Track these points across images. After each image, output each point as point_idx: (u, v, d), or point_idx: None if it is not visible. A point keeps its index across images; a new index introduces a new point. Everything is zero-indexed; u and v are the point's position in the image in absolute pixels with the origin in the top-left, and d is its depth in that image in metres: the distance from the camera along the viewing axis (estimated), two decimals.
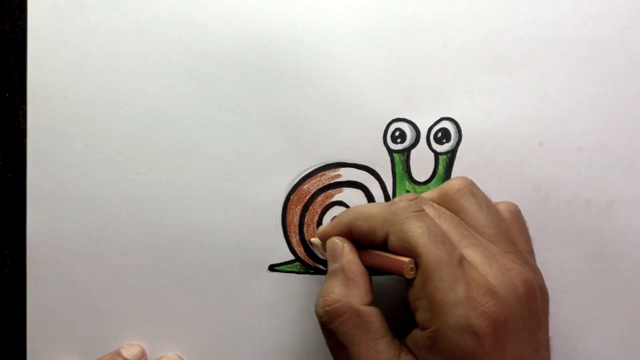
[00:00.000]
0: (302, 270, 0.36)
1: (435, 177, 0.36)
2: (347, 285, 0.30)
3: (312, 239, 0.36)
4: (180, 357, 0.36)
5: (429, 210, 0.30)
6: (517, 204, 0.35)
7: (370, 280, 0.31)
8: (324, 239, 0.33)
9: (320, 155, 0.35)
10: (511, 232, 0.31)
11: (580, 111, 0.36)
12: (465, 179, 0.33)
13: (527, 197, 0.36)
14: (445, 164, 0.36)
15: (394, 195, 0.36)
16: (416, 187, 0.36)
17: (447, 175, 0.36)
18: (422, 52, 0.35)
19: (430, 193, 0.33)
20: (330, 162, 0.35)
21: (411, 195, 0.31)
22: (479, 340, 0.26)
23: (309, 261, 0.36)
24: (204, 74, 0.34)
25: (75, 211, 0.35)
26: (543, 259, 0.35)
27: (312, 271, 0.36)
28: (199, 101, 0.34)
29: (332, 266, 0.31)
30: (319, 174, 0.35)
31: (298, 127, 0.35)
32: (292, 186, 0.35)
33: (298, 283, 0.36)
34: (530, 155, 0.36)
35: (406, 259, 0.28)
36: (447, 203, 0.32)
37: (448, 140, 0.36)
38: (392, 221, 0.29)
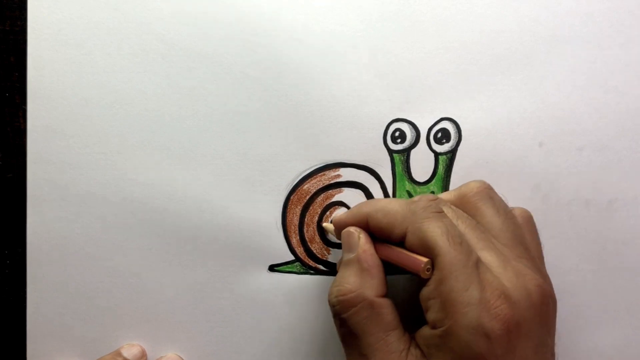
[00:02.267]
0: (302, 270, 0.36)
1: (435, 177, 0.36)
2: (362, 276, 0.30)
3: (325, 224, 0.35)
4: (180, 357, 0.36)
5: (448, 211, 0.30)
6: (516, 204, 0.35)
7: (385, 272, 0.31)
8: (339, 227, 0.33)
9: (320, 155, 0.35)
10: (525, 238, 0.31)
11: (580, 111, 0.36)
12: (484, 182, 0.33)
13: (527, 197, 0.36)
14: (445, 164, 0.36)
15: (394, 196, 0.36)
16: (416, 187, 0.36)
17: (447, 175, 0.36)
18: (422, 52, 0.35)
19: (447, 195, 0.33)
20: (330, 162, 0.35)
21: (431, 196, 0.31)
22: (490, 342, 0.26)
23: (309, 261, 0.36)
24: (204, 74, 0.34)
25: (75, 211, 0.35)
26: None
27: (312, 271, 0.36)
28: (199, 101, 0.34)
29: (346, 256, 0.31)
30: (319, 174, 0.35)
31: (298, 127, 0.35)
32: (292, 186, 0.35)
33: (298, 283, 0.36)
34: (530, 155, 0.36)
35: (424, 259, 0.28)
36: (464, 205, 0.32)
37: (448, 140, 0.36)
38: (412, 220, 0.29)
